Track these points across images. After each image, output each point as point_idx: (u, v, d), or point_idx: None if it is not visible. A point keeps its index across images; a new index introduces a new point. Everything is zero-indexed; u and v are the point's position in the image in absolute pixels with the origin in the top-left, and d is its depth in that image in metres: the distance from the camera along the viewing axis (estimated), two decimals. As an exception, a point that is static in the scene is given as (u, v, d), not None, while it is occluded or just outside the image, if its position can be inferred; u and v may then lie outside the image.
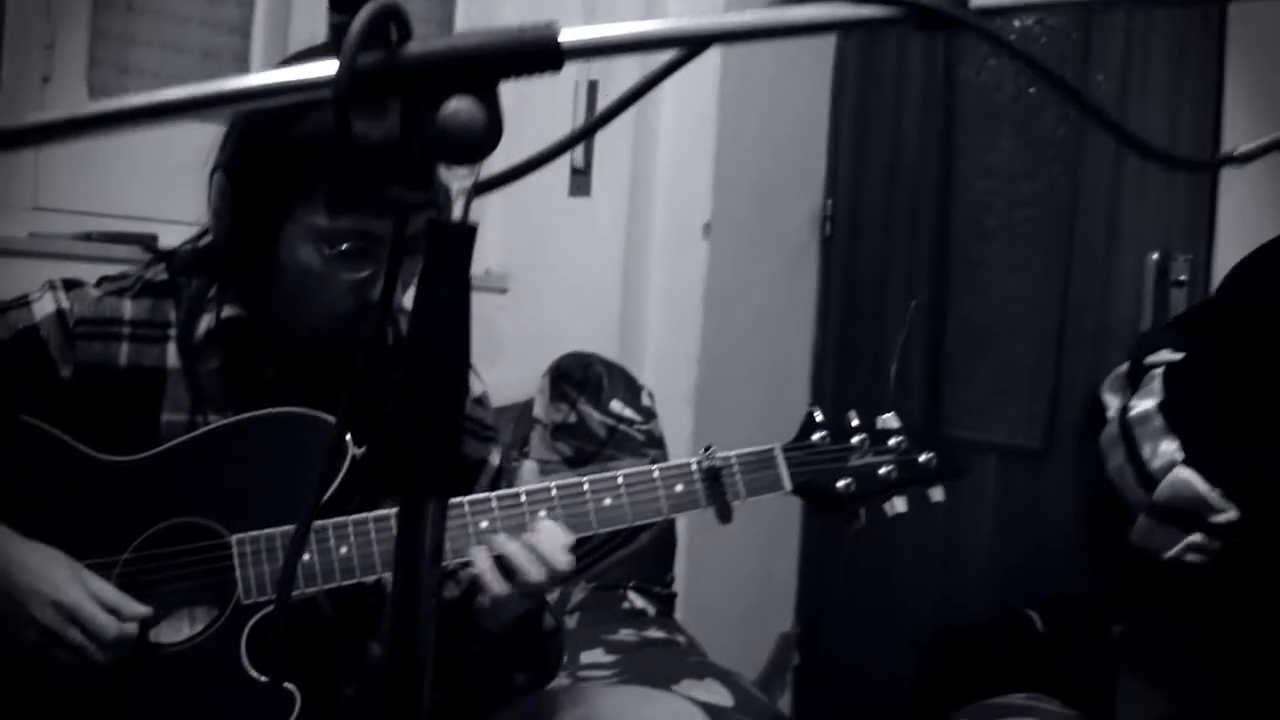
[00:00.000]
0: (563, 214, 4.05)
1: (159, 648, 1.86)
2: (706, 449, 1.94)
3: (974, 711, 3.02)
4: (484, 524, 1.87)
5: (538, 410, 3.45)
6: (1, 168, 3.14)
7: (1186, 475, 2.32)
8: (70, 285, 2.00)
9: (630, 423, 3.36)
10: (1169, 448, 2.35)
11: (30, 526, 1.86)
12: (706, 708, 2.18)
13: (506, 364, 3.65)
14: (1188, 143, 3.66)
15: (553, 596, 2.06)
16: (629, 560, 3.25)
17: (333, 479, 1.85)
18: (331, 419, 1.90)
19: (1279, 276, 2.50)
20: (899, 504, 2.00)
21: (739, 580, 4.15)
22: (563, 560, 1.85)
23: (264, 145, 1.85)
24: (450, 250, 1.00)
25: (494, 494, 1.89)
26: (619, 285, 3.98)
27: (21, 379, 1.95)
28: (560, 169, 4.03)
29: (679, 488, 1.92)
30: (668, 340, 3.97)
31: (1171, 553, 2.33)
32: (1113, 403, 2.50)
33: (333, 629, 1.98)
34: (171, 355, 1.98)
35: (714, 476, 1.92)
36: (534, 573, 1.83)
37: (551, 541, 1.85)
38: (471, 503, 1.88)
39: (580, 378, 3.41)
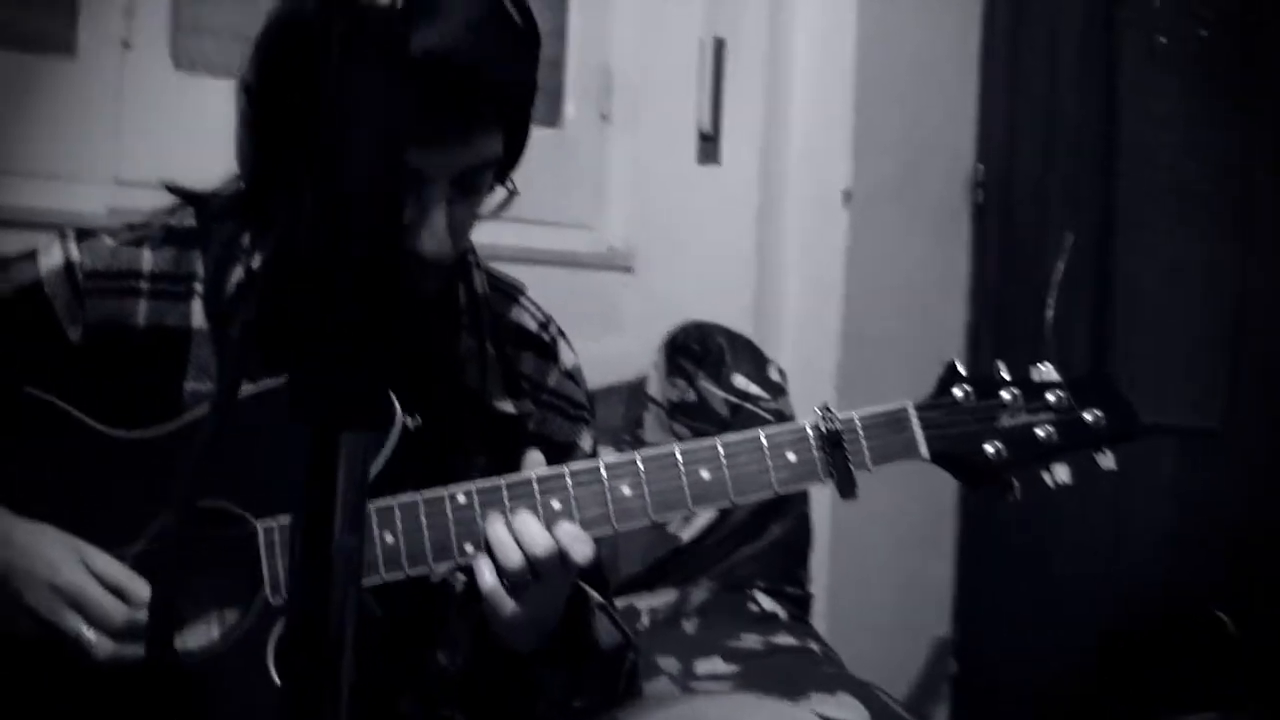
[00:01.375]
0: (690, 184, 3.75)
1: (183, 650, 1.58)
2: (824, 409, 1.61)
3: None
4: (556, 504, 1.56)
5: (653, 388, 3.11)
6: (79, 137, 2.90)
7: None
8: (84, 235, 1.74)
9: (756, 400, 3.00)
10: None
11: (30, 514, 1.60)
12: (838, 726, 1.85)
13: (629, 342, 3.35)
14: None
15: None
16: (758, 557, 2.90)
17: (378, 453, 1.57)
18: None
19: None
20: (1061, 473, 1.65)
21: (887, 580, 3.83)
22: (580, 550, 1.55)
23: (284, 55, 1.57)
24: (376, 56, 0.69)
25: (568, 466, 1.58)
26: (753, 259, 3.68)
27: (23, 343, 1.69)
28: (687, 135, 3.73)
29: (791, 456, 1.58)
30: (807, 317, 3.67)
31: None
32: None
33: (385, 633, 1.68)
34: (197, 314, 1.71)
35: (834, 442, 1.59)
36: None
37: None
38: (540, 480, 1.57)
39: (699, 350, 3.07)
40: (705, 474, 1.56)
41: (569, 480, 1.56)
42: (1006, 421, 1.63)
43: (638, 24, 3.81)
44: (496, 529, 1.53)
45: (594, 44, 3.80)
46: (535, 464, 1.57)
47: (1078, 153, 3.85)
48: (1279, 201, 3.49)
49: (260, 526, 1.57)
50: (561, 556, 1.52)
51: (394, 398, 1.58)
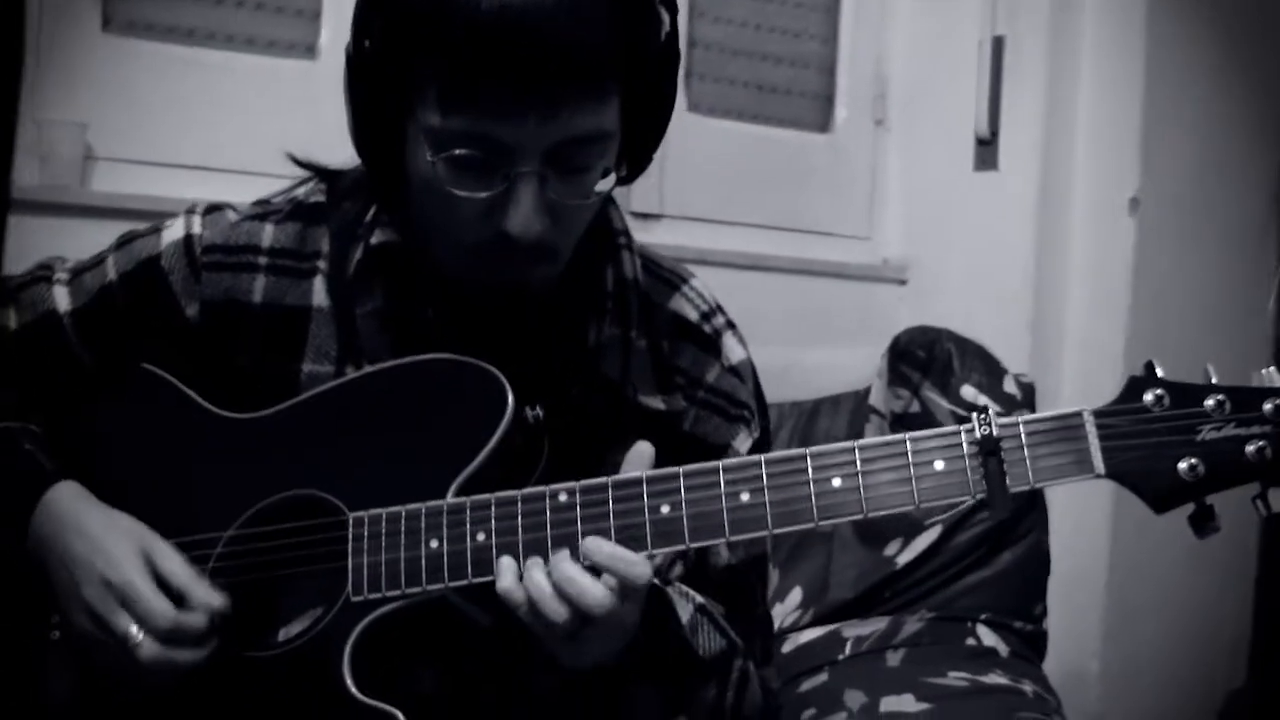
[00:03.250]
0: (967, 191, 3.55)
1: (251, 652, 1.47)
2: (981, 411, 1.39)
3: None
4: (665, 509, 1.39)
5: (874, 398, 2.89)
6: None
7: None
8: (211, 209, 1.66)
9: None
10: None
11: (128, 495, 1.53)
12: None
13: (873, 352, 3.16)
14: None
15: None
16: (984, 586, 2.63)
17: (484, 443, 1.43)
18: (492, 368, 1.47)
19: None
20: (1276, 499, 1.39)
21: (1177, 624, 3.54)
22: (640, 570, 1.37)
23: (379, 17, 1.44)
24: None
25: (683, 468, 1.40)
26: (1032, 270, 3.44)
27: (140, 318, 1.62)
28: (964, 140, 3.52)
29: (939, 465, 1.36)
30: (1088, 332, 3.43)
31: None
32: None
33: (491, 646, 1.53)
34: (319, 292, 1.60)
35: (991, 451, 1.36)
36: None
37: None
38: (650, 480, 1.41)
39: (924, 358, 2.82)
40: (836, 481, 1.36)
41: (681, 482, 1.38)
42: (1209, 435, 1.38)
43: (913, 24, 3.66)
44: (534, 577, 1.37)
45: (867, 46, 3.66)
46: (641, 456, 1.40)
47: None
48: None
49: (351, 517, 1.45)
50: (622, 588, 1.35)
51: (506, 386, 1.45)
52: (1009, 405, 2.70)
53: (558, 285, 1.57)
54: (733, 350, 1.71)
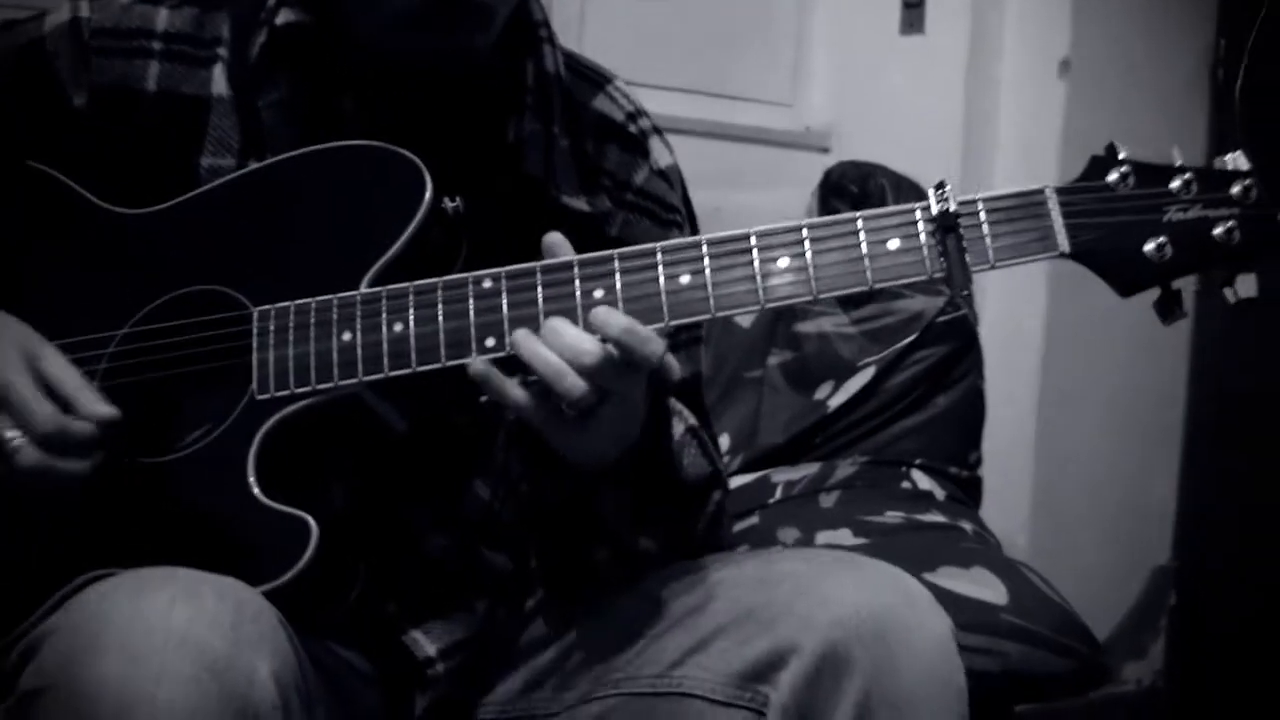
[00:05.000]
0: (893, 56, 3.49)
1: (148, 458, 1.36)
2: (939, 186, 1.30)
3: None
4: (599, 293, 1.28)
5: (805, 235, 2.81)
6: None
7: None
8: None
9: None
10: None
11: (15, 298, 1.41)
12: (964, 601, 1.53)
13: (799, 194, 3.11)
14: None
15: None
16: (918, 432, 2.56)
17: (400, 232, 1.32)
18: (409, 155, 1.36)
19: None
20: (1245, 285, 1.30)
21: (1104, 502, 3.53)
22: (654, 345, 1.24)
23: None
24: None
25: (618, 250, 1.30)
26: (959, 136, 3.39)
27: (23, 109, 1.50)
28: (889, 3, 3.44)
29: (894, 244, 1.26)
30: (1018, 200, 3.33)
31: None
32: None
33: (411, 456, 1.43)
34: (219, 81, 1.48)
35: (949, 227, 1.27)
36: (585, 349, 1.23)
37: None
38: (582, 264, 1.30)
39: (857, 193, 2.75)
40: (784, 261, 1.27)
41: (617, 264, 1.28)
42: (1176, 215, 1.30)
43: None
44: (528, 342, 1.26)
45: (794, -93, 3.55)
46: (557, 245, 1.30)
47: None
48: None
49: (256, 311, 1.34)
50: (622, 353, 1.23)
51: (424, 172, 1.34)
52: (945, 243, 2.64)
53: (476, 75, 1.47)
54: (661, 154, 1.62)
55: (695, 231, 1.63)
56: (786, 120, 3.54)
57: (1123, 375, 3.41)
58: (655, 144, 1.62)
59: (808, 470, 2.49)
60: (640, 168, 1.59)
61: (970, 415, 2.64)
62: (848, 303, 2.59)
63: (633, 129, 1.61)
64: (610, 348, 1.22)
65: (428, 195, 1.34)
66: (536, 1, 1.56)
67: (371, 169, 1.37)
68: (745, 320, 2.68)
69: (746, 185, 3.23)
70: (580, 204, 1.53)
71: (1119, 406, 3.46)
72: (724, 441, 2.56)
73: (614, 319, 1.23)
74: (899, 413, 2.56)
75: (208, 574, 1.18)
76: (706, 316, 1.28)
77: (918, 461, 2.54)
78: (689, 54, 3.38)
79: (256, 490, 1.30)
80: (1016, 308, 3.24)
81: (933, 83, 3.41)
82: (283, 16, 1.46)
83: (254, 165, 1.44)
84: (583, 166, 1.55)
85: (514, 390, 1.26)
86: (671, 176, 1.62)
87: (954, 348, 2.56)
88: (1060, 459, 3.37)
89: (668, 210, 1.59)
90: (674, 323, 1.27)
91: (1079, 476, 3.43)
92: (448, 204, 1.39)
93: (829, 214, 2.64)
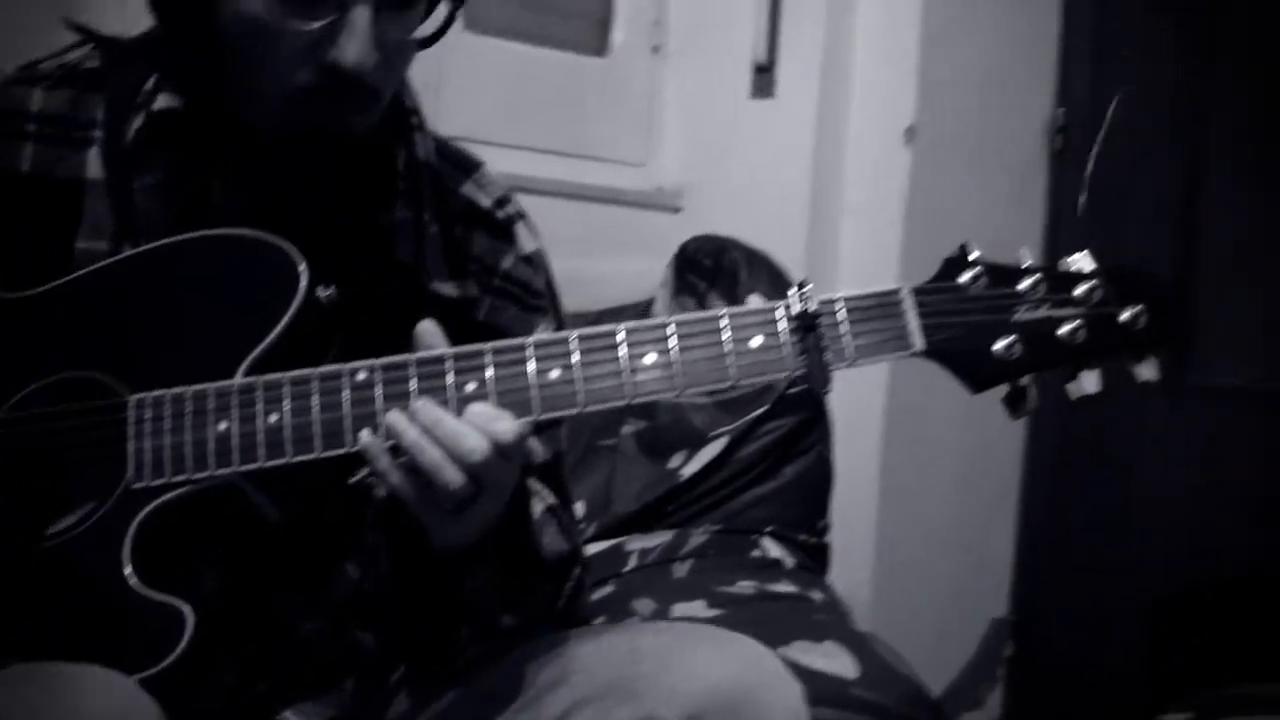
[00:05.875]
0: (744, 119, 3.51)
1: (20, 547, 1.35)
2: (801, 285, 1.35)
3: (1211, 705, 2.36)
4: (471, 385, 1.31)
5: (658, 307, 2.86)
6: None
7: None
8: None
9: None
10: None
11: None
12: (816, 676, 1.58)
13: (653, 262, 3.13)
14: None
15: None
16: (769, 500, 2.62)
17: (276, 322, 1.34)
18: (285, 244, 1.38)
19: None
20: (1089, 382, 1.36)
21: (944, 558, 3.60)
22: (506, 429, 1.28)
23: None
24: None
25: (491, 344, 1.33)
26: (807, 199, 3.44)
27: None
28: (741, 67, 3.49)
29: (756, 341, 1.31)
30: (862, 263, 3.42)
31: None
32: None
33: (285, 541, 1.44)
34: (93, 164, 1.49)
35: (809, 327, 1.32)
36: (469, 448, 1.26)
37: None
38: (458, 356, 1.32)
39: (711, 266, 2.80)
40: (650, 357, 1.31)
41: (490, 358, 1.31)
42: (1024, 315, 1.36)
43: (694, -52, 3.59)
44: (398, 421, 1.28)
45: (648, -31, 3.58)
46: (429, 334, 1.33)
47: (1170, 97, 3.56)
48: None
49: (132, 399, 1.34)
50: (496, 450, 1.27)
51: (300, 262, 1.36)
52: (797, 315, 2.69)
53: (351, 160, 1.49)
54: (526, 240, 1.66)
55: (559, 314, 1.67)
56: (639, 180, 3.57)
57: (962, 437, 3.48)
58: (521, 230, 1.65)
59: (661, 538, 2.53)
60: (507, 254, 1.62)
61: (818, 484, 2.70)
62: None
63: (499, 215, 1.64)
64: (492, 445, 1.25)
65: (303, 285, 1.36)
66: (409, 89, 1.59)
67: (247, 257, 1.39)
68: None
69: (600, 247, 3.26)
70: (449, 289, 1.56)
71: (959, 467, 3.54)
72: (579, 509, 2.58)
73: (504, 425, 1.27)
74: (750, 481, 2.61)
75: (89, 666, 1.18)
76: (575, 410, 1.31)
77: (768, 529, 2.59)
78: (543, 114, 3.40)
79: (132, 579, 1.30)
80: (862, 373, 3.28)
81: (782, 146, 3.45)
82: (160, 102, 1.48)
83: (130, 250, 1.44)
84: (452, 252, 1.58)
85: (395, 473, 1.29)
86: (536, 262, 1.65)
87: (803, 418, 2.63)
88: (902, 517, 3.43)
89: (533, 295, 1.63)
90: (543, 417, 1.30)
91: (920, 534, 3.49)
92: (321, 292, 1.41)
93: (685, 286, 2.75)
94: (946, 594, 3.61)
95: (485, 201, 1.64)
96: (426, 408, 1.28)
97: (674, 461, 2.63)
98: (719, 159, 3.54)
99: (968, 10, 3.50)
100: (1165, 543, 3.52)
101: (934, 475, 3.49)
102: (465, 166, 1.65)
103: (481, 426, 1.26)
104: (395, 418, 1.28)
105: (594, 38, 3.56)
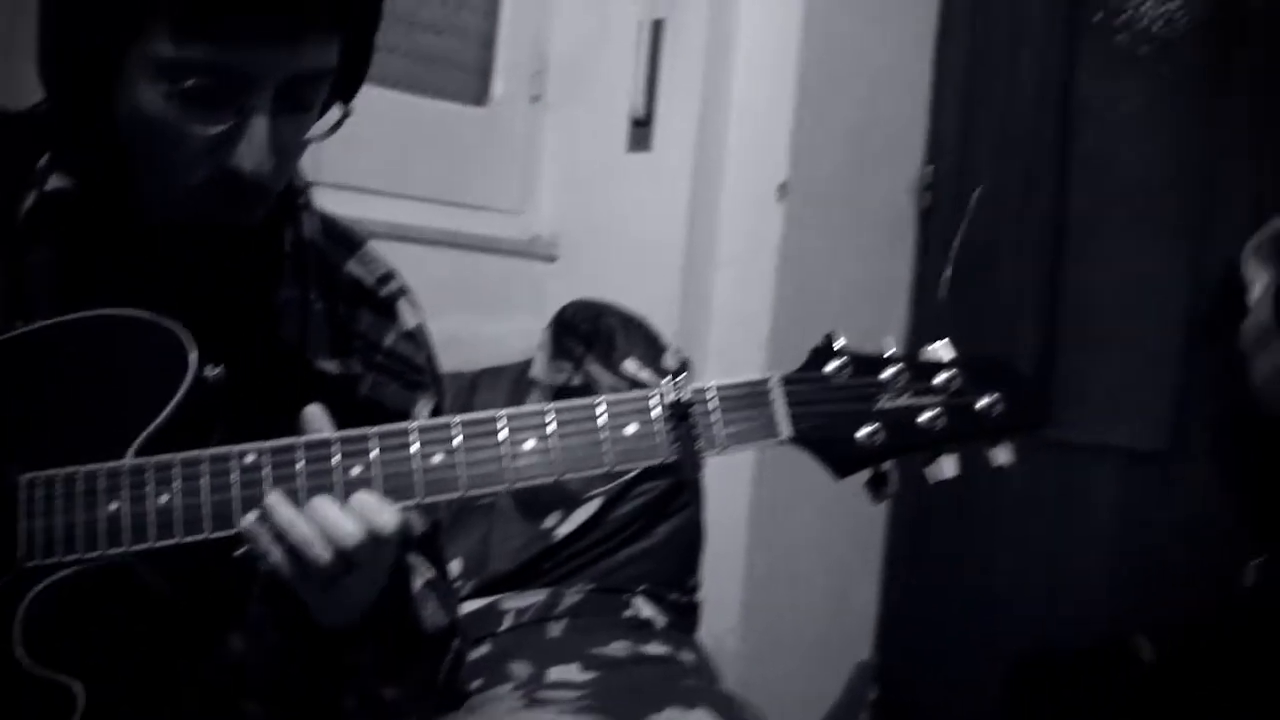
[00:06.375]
0: (620, 170, 3.57)
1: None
2: (677, 374, 1.40)
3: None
4: (356, 469, 1.35)
5: (537, 369, 2.90)
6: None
7: None
8: None
9: (647, 387, 2.77)
10: None
11: None
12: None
13: (532, 321, 3.17)
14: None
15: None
16: (641, 559, 2.67)
17: (165, 403, 1.37)
18: (174, 325, 1.41)
19: None
20: (946, 466, 1.43)
21: (810, 601, 3.65)
22: (386, 521, 1.33)
23: None
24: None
25: (376, 428, 1.37)
26: (681, 252, 3.48)
27: None
28: (619, 119, 3.54)
29: (630, 429, 1.37)
30: (734, 316, 3.46)
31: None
32: (1261, 279, 1.79)
33: (168, 615, 1.47)
34: None
35: (682, 416, 1.38)
36: (345, 533, 1.31)
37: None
38: (344, 440, 1.36)
39: (588, 331, 2.85)
40: (530, 443, 1.36)
41: (375, 442, 1.35)
42: (886, 404, 1.42)
43: (576, 2, 3.64)
44: (277, 502, 1.32)
45: (528, 21, 3.63)
46: (314, 418, 1.37)
47: (1033, 156, 3.66)
48: (1237, 214, 3.30)
49: (23, 479, 1.36)
50: (371, 536, 1.31)
51: (190, 343, 1.39)
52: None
53: (241, 244, 1.52)
54: (409, 316, 1.70)
55: (440, 388, 1.71)
56: (515, 229, 3.61)
57: (828, 487, 3.53)
58: (403, 307, 1.69)
59: (536, 597, 2.57)
60: (389, 331, 1.66)
61: (690, 543, 2.76)
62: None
63: (383, 293, 1.68)
64: (368, 533, 1.30)
65: (192, 366, 1.39)
66: (298, 169, 1.62)
67: (137, 337, 1.41)
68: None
69: (477, 301, 3.29)
70: (333, 367, 1.60)
71: (825, 517, 3.59)
72: (455, 567, 2.62)
73: (385, 518, 1.32)
74: (623, 541, 2.66)
75: None
76: (457, 495, 1.35)
77: (641, 588, 2.64)
78: (422, 162, 3.43)
79: (24, 659, 1.32)
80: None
81: (658, 199, 3.49)
82: (53, 183, 1.49)
83: (20, 328, 1.45)
84: (336, 330, 1.62)
85: (274, 549, 1.32)
86: (418, 338, 1.69)
87: (676, 480, 2.68)
88: (770, 566, 3.47)
89: (414, 372, 1.67)
90: (425, 500, 1.35)
91: (787, 581, 3.54)
92: (209, 371, 1.43)
93: (562, 350, 2.79)
94: (813, 639, 3.65)
95: (369, 279, 1.68)
96: (318, 500, 1.32)
97: (550, 521, 2.68)
98: (596, 209, 3.59)
99: (842, 68, 3.56)
100: (1025, 594, 3.58)
101: (801, 524, 3.54)
102: (350, 244, 1.69)
103: (363, 515, 1.31)
104: (274, 498, 1.32)
105: (475, 87, 3.60)
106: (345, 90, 1.52)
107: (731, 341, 3.44)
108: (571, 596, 2.58)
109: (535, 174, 3.66)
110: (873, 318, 3.70)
